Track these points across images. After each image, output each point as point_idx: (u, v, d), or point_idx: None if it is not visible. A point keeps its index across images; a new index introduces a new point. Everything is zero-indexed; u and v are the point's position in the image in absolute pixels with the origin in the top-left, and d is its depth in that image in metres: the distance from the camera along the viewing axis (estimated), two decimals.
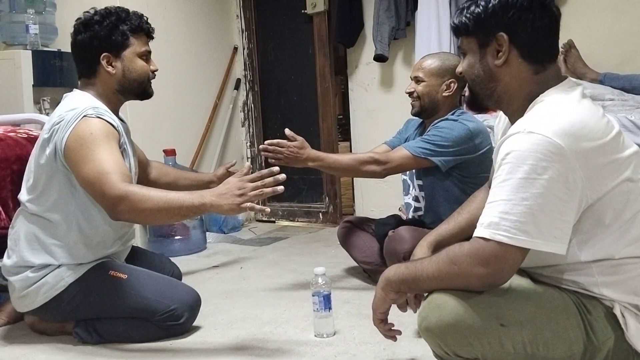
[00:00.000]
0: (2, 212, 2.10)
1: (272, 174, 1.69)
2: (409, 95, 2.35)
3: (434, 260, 1.27)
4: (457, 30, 1.33)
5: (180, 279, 2.25)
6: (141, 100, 2.09)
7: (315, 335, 1.86)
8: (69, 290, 1.87)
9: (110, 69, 1.95)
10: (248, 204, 1.65)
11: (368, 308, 2.09)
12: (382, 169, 2.25)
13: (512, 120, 1.32)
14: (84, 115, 1.82)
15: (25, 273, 1.88)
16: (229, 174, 2.25)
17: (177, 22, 3.71)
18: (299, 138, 2.25)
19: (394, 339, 1.46)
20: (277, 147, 2.24)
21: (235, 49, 4.13)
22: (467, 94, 1.44)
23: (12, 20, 3.05)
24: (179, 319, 1.89)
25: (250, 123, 4.21)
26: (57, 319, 1.96)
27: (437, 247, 1.62)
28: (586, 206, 1.19)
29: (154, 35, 2.07)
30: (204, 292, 2.07)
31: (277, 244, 3.41)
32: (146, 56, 2.03)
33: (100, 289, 1.88)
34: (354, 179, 3.94)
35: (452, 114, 2.30)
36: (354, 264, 2.60)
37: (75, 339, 1.93)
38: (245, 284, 2.58)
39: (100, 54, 1.94)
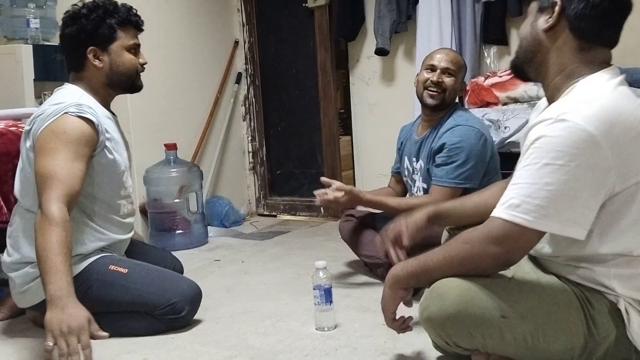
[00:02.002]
0: (4, 207, 2.10)
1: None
2: (435, 85, 2.26)
3: (443, 247, 1.29)
4: None
5: (182, 273, 2.25)
6: (131, 93, 2.08)
7: (316, 329, 1.87)
8: None
9: (97, 62, 1.94)
10: (49, 346, 1.47)
11: (369, 302, 2.13)
12: None
13: (548, 97, 1.30)
14: (65, 112, 1.81)
15: (25, 269, 1.88)
16: None
17: (177, 16, 3.70)
18: (348, 189, 2.26)
19: (410, 328, 1.47)
20: (330, 205, 2.33)
21: (236, 42, 4.12)
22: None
23: (12, 14, 3.05)
24: (179, 312, 1.90)
25: (252, 117, 4.20)
26: None
27: (435, 218, 1.61)
28: (612, 195, 1.17)
29: (143, 28, 2.05)
30: (206, 286, 2.07)
31: (278, 238, 3.42)
32: (135, 49, 2.01)
33: (100, 283, 1.88)
34: (355, 172, 3.94)
35: (452, 112, 2.30)
36: (355, 257, 2.60)
37: None
38: (247, 277, 2.59)
39: (87, 47, 1.92)
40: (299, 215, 4.08)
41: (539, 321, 1.25)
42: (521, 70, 1.36)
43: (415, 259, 1.33)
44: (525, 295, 1.27)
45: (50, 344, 1.47)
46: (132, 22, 1.99)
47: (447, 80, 2.27)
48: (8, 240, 1.95)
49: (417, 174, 2.38)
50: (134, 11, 2.02)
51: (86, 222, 1.91)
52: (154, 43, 3.46)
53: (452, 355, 1.47)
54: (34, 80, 2.94)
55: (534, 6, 1.31)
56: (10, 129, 2.24)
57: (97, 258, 1.92)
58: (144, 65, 2.05)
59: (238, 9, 4.11)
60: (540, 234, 1.19)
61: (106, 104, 2.01)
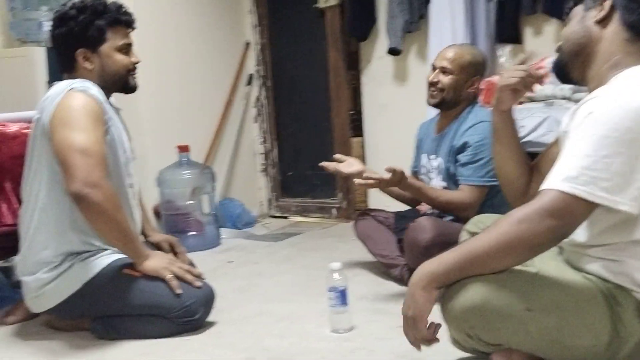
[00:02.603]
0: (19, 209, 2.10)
1: (199, 275, 1.95)
2: (432, 85, 2.27)
3: (488, 233, 1.22)
4: (573, 2, 1.36)
5: None
6: (126, 93, 2.05)
7: (331, 331, 1.85)
8: (84, 290, 1.86)
9: (87, 64, 1.92)
10: (168, 276, 1.85)
11: (384, 303, 2.12)
12: (470, 213, 2.11)
13: (592, 88, 1.30)
14: (70, 89, 1.82)
15: (38, 273, 1.87)
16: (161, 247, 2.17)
17: (188, 18, 3.70)
18: (398, 169, 2.16)
19: (438, 339, 1.32)
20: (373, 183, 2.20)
21: (248, 44, 4.11)
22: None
23: (25, 17, 3.06)
24: (194, 314, 1.88)
25: (263, 119, 4.19)
26: (72, 317, 1.97)
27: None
28: None
29: (134, 26, 2.01)
30: (219, 288, 2.06)
31: (291, 240, 3.40)
32: (126, 49, 1.97)
33: (114, 288, 1.87)
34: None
35: (470, 111, 2.27)
36: (369, 259, 2.58)
37: (92, 334, 1.93)
38: (260, 279, 2.58)
39: (77, 49, 1.90)
40: (311, 217, 4.06)
41: (564, 315, 1.23)
42: (566, 68, 1.38)
43: (451, 251, 1.26)
44: (551, 290, 1.25)
45: (168, 275, 1.85)
46: (122, 22, 1.95)
47: (444, 78, 2.24)
48: (21, 244, 1.95)
49: (435, 171, 2.35)
50: (124, 9, 1.97)
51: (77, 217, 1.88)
52: (166, 45, 3.47)
53: (471, 353, 1.45)
54: (47, 82, 2.94)
55: (578, 9, 1.34)
56: (24, 131, 2.24)
57: (110, 262, 1.91)
58: (136, 65, 2.01)
59: (249, 11, 4.11)
60: (594, 207, 1.16)
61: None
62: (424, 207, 2.71)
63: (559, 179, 1.16)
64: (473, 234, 1.59)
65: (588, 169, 1.14)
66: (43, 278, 1.87)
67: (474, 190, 2.18)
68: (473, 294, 1.24)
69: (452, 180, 2.29)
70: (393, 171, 2.14)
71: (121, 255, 1.94)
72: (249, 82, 4.12)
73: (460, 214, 2.19)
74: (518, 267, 1.26)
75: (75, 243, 1.88)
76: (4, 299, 2.32)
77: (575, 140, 1.19)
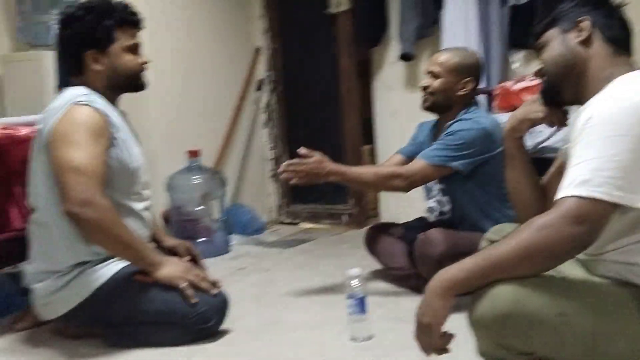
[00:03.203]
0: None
1: (215, 284, 1.90)
2: (423, 90, 2.29)
3: (508, 240, 1.19)
4: (542, 27, 1.37)
5: None
6: (135, 92, 2.01)
7: (350, 339, 1.80)
8: (94, 297, 1.82)
9: (96, 66, 1.88)
10: (183, 284, 1.80)
11: (403, 312, 2.06)
12: (404, 184, 2.21)
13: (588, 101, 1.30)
14: (74, 103, 1.78)
15: (48, 280, 1.84)
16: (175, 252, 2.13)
17: (199, 23, 3.68)
18: (316, 153, 2.19)
19: (449, 350, 1.28)
20: (296, 167, 2.17)
21: (258, 49, 4.09)
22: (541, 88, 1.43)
23: (35, 21, 3.04)
24: (207, 321, 1.84)
25: (274, 124, 4.16)
26: (82, 325, 1.93)
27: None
28: None
29: (142, 26, 1.97)
30: (232, 295, 2.01)
31: (302, 247, 3.36)
32: (134, 49, 1.94)
33: (126, 294, 1.83)
34: None
35: (466, 112, 2.24)
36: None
37: (103, 342, 1.89)
38: (273, 286, 2.53)
39: (85, 51, 1.87)
40: (321, 224, 4.00)
41: (597, 320, 1.19)
42: (556, 90, 1.38)
43: (471, 258, 1.22)
44: (582, 294, 1.21)
45: (183, 284, 1.80)
46: (130, 21, 1.92)
47: (433, 82, 2.25)
48: (32, 251, 1.90)
49: None
50: (131, 9, 1.93)
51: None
52: (176, 50, 3.45)
53: None
54: (57, 86, 2.91)
55: (553, 32, 1.35)
56: (33, 135, 2.21)
57: (121, 268, 1.86)
58: (145, 65, 1.97)
59: (260, 16, 4.08)
60: (614, 209, 1.14)
61: (113, 104, 1.95)
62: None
63: (572, 185, 1.14)
64: (493, 242, 1.56)
65: (600, 169, 1.12)
66: (53, 285, 1.83)
67: (421, 164, 2.18)
68: (504, 301, 1.20)
69: (448, 180, 2.25)
70: (311, 155, 2.15)
71: None
72: (259, 88, 4.09)
73: (396, 184, 2.20)
74: (546, 273, 1.23)
75: (85, 253, 1.84)
76: (13, 305, 2.27)
77: (580, 148, 1.17)
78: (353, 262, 2.81)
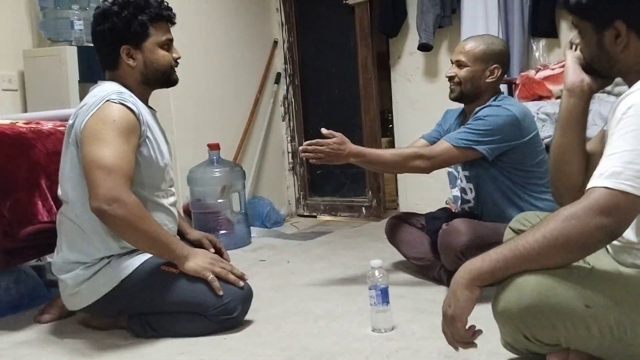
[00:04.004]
0: (54, 207, 2.09)
1: (242, 275, 1.90)
2: (449, 80, 2.26)
3: (535, 230, 1.17)
4: (571, 10, 1.33)
5: None
6: (167, 87, 2.04)
7: (372, 330, 1.80)
8: (121, 287, 1.84)
9: (131, 61, 1.90)
10: (210, 277, 1.81)
11: (424, 303, 2.06)
12: (427, 164, 2.18)
13: (629, 83, 1.28)
14: (107, 100, 1.80)
15: (76, 270, 1.86)
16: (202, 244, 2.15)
17: (217, 17, 3.69)
18: (338, 134, 2.19)
19: (475, 345, 1.27)
20: (316, 147, 2.17)
21: (276, 42, 4.09)
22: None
23: (57, 16, 3.07)
24: (232, 312, 1.85)
25: (291, 117, 4.16)
26: (109, 315, 1.95)
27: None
28: None
29: (175, 21, 1.98)
30: (254, 287, 2.01)
31: (321, 239, 3.36)
32: (168, 44, 1.95)
33: (152, 284, 1.85)
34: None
35: (494, 100, 2.21)
36: (404, 258, 2.53)
37: (128, 333, 1.91)
38: (294, 278, 2.54)
39: (120, 46, 1.89)
40: (340, 216, 4.01)
41: (624, 311, 1.18)
42: (599, 75, 1.38)
43: (497, 248, 1.22)
44: (609, 285, 1.21)
45: (210, 275, 1.81)
46: (165, 17, 1.93)
47: (460, 72, 2.22)
48: (59, 241, 1.93)
49: (460, 164, 2.30)
50: (165, 4, 1.95)
51: None
52: (194, 44, 3.46)
53: (524, 355, 1.39)
54: (79, 81, 2.94)
55: (586, 27, 1.31)
56: (59, 128, 2.24)
57: (148, 258, 1.88)
58: (178, 60, 1.99)
59: (277, 9, 4.08)
60: None
61: (144, 100, 1.97)
62: (453, 205, 2.65)
63: (603, 177, 1.14)
64: (517, 232, 1.54)
65: (632, 163, 1.12)
66: (80, 275, 1.85)
67: (444, 145, 2.16)
68: (530, 292, 1.19)
69: (473, 166, 2.23)
70: (332, 135, 2.17)
71: None
72: (277, 81, 4.09)
73: (417, 164, 2.19)
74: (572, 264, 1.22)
75: (114, 246, 1.86)
76: (38, 297, 2.31)
77: (616, 137, 1.16)
78: (372, 254, 2.82)
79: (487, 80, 2.21)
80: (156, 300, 1.85)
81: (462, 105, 2.38)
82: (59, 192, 1.94)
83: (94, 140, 1.77)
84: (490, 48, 2.22)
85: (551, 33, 3.12)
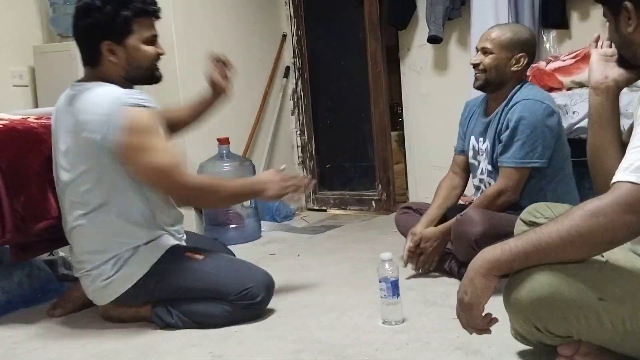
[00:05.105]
0: None
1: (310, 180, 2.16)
2: (474, 67, 2.22)
3: (561, 222, 1.15)
4: None
5: None
6: (151, 84, 1.98)
7: (383, 322, 1.80)
8: (147, 276, 1.86)
9: (112, 58, 1.84)
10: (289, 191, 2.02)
11: (434, 295, 2.06)
12: (513, 197, 2.14)
13: None
14: (124, 105, 1.77)
15: (105, 265, 1.87)
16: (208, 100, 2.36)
17: (225, 10, 3.68)
18: (412, 238, 2.32)
19: (490, 331, 1.29)
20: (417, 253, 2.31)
21: (284, 36, 4.08)
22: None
23: (66, 12, 3.07)
24: (255, 297, 1.86)
25: (300, 111, 4.16)
26: (134, 303, 1.95)
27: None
28: None
29: (160, 16, 1.92)
30: None
31: (331, 232, 3.36)
32: (152, 40, 1.90)
33: (177, 270, 1.87)
34: (407, 165, 3.86)
35: (519, 88, 2.19)
36: None
37: (150, 324, 1.93)
38: (305, 271, 2.54)
39: (101, 42, 1.83)
40: (350, 210, 4.01)
41: (637, 304, 1.17)
42: (630, 63, 1.37)
43: (516, 239, 1.21)
44: (623, 278, 1.20)
45: (283, 166, 2.17)
46: (149, 12, 1.87)
47: (485, 59, 2.18)
48: (77, 249, 1.93)
49: (483, 154, 2.28)
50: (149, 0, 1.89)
51: (142, 207, 1.89)
52: (203, 38, 3.45)
53: (534, 346, 1.39)
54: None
55: (606, 12, 1.31)
56: None
57: (171, 246, 1.91)
58: (161, 56, 1.94)
59: (286, 2, 4.07)
60: None
61: None
62: (467, 197, 2.64)
63: (628, 170, 1.12)
64: (528, 223, 1.53)
65: None
66: (109, 269, 1.86)
67: (513, 172, 2.13)
68: (542, 284, 1.19)
69: (495, 161, 2.22)
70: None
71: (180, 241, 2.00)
72: (286, 75, 4.08)
73: (504, 200, 2.14)
74: None
75: (141, 236, 1.88)
76: (51, 291, 2.33)
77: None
78: (383, 247, 2.80)
79: (512, 68, 2.18)
80: (180, 285, 1.87)
81: (480, 94, 2.36)
82: (71, 199, 1.90)
83: (145, 152, 1.78)
84: (516, 36, 2.19)
85: (562, 24, 3.09)
